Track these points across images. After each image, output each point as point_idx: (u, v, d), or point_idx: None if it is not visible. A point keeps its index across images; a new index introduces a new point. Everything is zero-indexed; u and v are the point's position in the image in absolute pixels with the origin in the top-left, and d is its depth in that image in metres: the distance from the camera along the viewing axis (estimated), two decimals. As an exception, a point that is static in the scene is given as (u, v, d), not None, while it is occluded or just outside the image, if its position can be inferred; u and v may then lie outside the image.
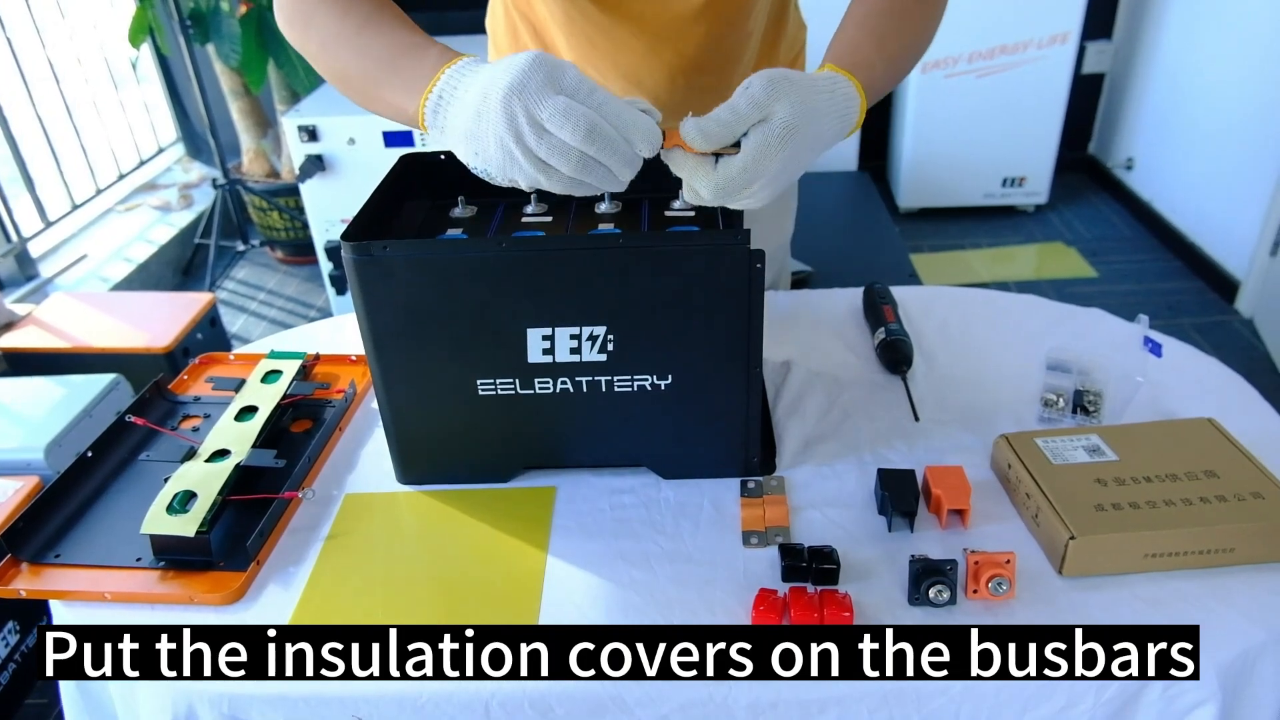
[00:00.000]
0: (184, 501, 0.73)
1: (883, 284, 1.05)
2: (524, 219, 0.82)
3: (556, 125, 0.58)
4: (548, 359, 0.73)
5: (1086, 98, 3.06)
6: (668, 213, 0.82)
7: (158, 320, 1.89)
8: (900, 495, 0.73)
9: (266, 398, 0.87)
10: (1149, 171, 2.89)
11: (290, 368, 0.93)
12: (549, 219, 0.82)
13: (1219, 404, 0.85)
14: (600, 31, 0.90)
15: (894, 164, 3.05)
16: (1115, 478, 0.72)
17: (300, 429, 0.89)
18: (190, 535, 0.70)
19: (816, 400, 0.89)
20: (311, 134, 1.95)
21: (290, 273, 2.85)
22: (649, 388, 0.75)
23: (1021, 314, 1.04)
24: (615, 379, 0.74)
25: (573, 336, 0.72)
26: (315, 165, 1.98)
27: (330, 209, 2.14)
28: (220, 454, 0.79)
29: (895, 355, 0.92)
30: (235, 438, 0.81)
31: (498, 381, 0.74)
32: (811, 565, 0.68)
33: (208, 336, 1.96)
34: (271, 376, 0.92)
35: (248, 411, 0.86)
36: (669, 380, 0.74)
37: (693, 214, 0.82)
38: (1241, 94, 2.39)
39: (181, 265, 2.89)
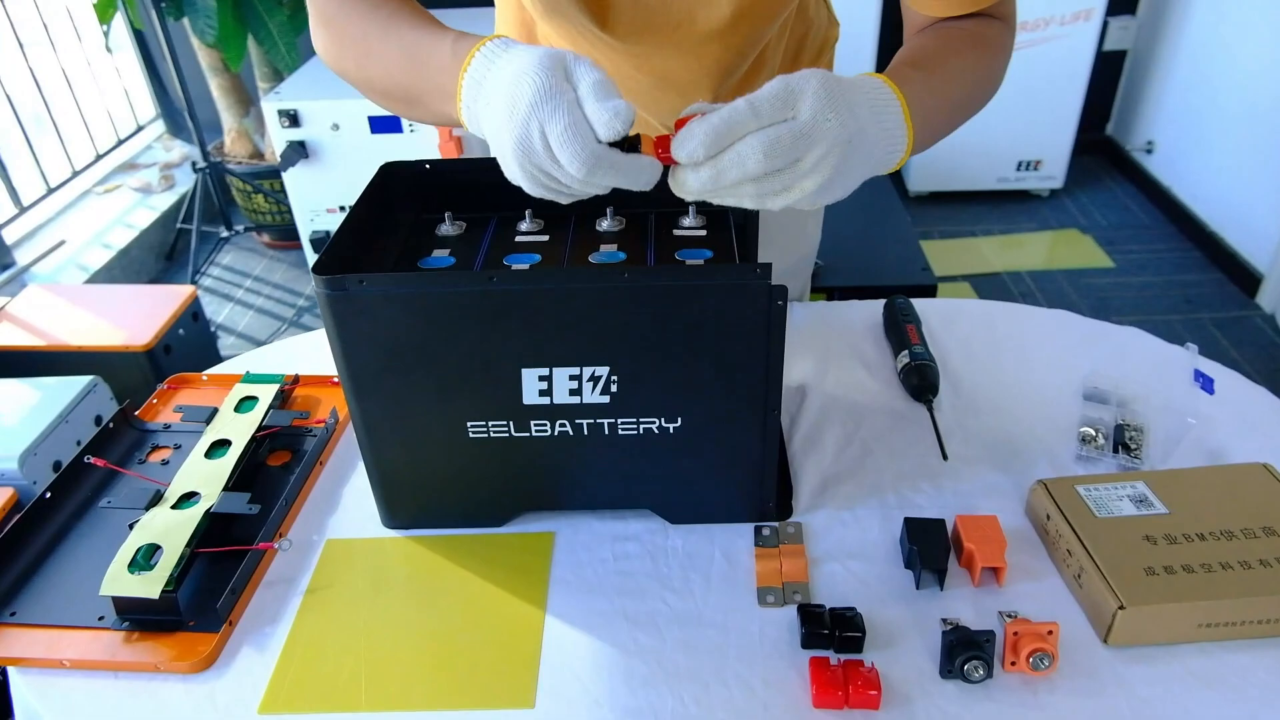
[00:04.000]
0: (148, 556, 0.67)
1: (905, 299, 0.98)
2: (518, 237, 0.75)
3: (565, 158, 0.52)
4: (544, 400, 0.66)
5: (1106, 76, 2.95)
6: (677, 230, 0.75)
7: (137, 315, 1.82)
8: (930, 550, 0.67)
9: (240, 430, 0.81)
10: (1170, 156, 2.80)
11: (267, 394, 0.86)
12: (545, 238, 0.75)
13: (1271, 442, 0.79)
14: (628, 60, 0.81)
15: (904, 145, 2.96)
16: (1166, 534, 0.65)
17: (278, 462, 0.82)
18: (154, 597, 0.64)
19: (835, 433, 0.83)
20: (293, 119, 1.86)
21: (277, 258, 2.77)
22: (656, 431, 0.68)
23: (1052, 331, 0.97)
24: (619, 422, 0.68)
25: (572, 377, 0.65)
26: (298, 152, 1.89)
27: (315, 198, 2.05)
28: (189, 498, 0.73)
29: (921, 382, 0.85)
30: (205, 478, 0.75)
31: (490, 424, 0.68)
32: (835, 632, 0.62)
33: (190, 332, 1.88)
34: (246, 404, 0.85)
35: (220, 446, 0.79)
36: (678, 424, 0.68)
37: (704, 232, 0.75)
38: (1271, 76, 2.29)
39: (164, 250, 2.81)
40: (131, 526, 0.71)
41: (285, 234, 2.78)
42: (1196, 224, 2.59)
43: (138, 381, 1.76)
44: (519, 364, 0.65)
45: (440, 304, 0.62)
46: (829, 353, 0.94)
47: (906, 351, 0.89)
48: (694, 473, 0.71)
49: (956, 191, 2.89)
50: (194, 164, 2.45)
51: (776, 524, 0.73)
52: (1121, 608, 0.60)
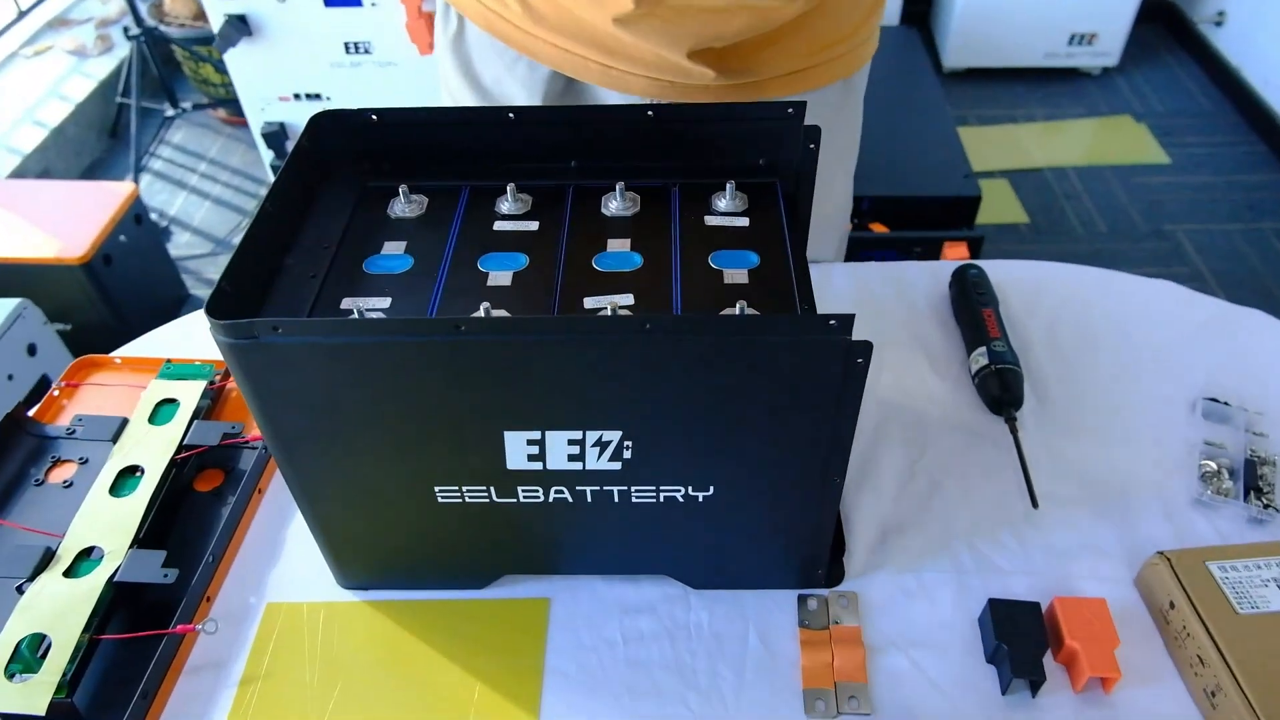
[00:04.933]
0: (34, 649, 0.53)
1: (978, 269, 0.80)
2: (497, 223, 0.56)
3: None
4: (535, 466, 0.50)
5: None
6: (710, 217, 0.56)
7: (70, 219, 1.59)
8: (1022, 649, 0.53)
9: (155, 452, 0.65)
10: (1242, 30, 2.48)
11: (190, 395, 0.70)
12: (534, 225, 0.56)
13: None
14: None
15: (943, 12, 2.62)
16: (1330, 643, 0.51)
17: (208, 486, 0.67)
18: (41, 714, 0.50)
19: (894, 459, 0.67)
20: (230, -12, 1.57)
21: (236, 136, 2.49)
22: (681, 499, 0.52)
23: (1156, 311, 0.79)
24: (633, 489, 0.52)
25: (572, 442, 0.49)
26: (238, 29, 1.60)
27: (263, 82, 1.77)
28: (87, 555, 0.58)
29: (1003, 394, 0.69)
30: (109, 525, 0.60)
31: (465, 489, 0.52)
32: (903, 771, 0.49)
33: (133, 237, 1.66)
34: (164, 411, 0.69)
35: (130, 474, 0.64)
36: (709, 492, 0.52)
37: (745, 220, 0.56)
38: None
39: (107, 126, 2.50)
40: (21, 589, 0.56)
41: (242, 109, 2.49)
42: (1266, 113, 2.32)
43: (75, 300, 1.57)
44: (500, 426, 0.48)
45: (389, 358, 0.45)
46: (884, 337, 0.77)
47: (984, 349, 0.71)
48: (726, 540, 0.56)
49: (997, 69, 2.59)
50: (125, 29, 2.12)
51: (825, 592, 0.59)
52: (1278, 757, 0.47)
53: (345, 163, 0.59)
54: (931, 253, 1.57)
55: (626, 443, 0.49)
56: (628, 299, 0.50)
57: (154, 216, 2.21)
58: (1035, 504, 0.62)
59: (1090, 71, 2.60)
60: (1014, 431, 0.67)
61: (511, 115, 0.56)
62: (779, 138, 0.57)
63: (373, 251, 0.54)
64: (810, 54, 0.72)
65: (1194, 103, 2.48)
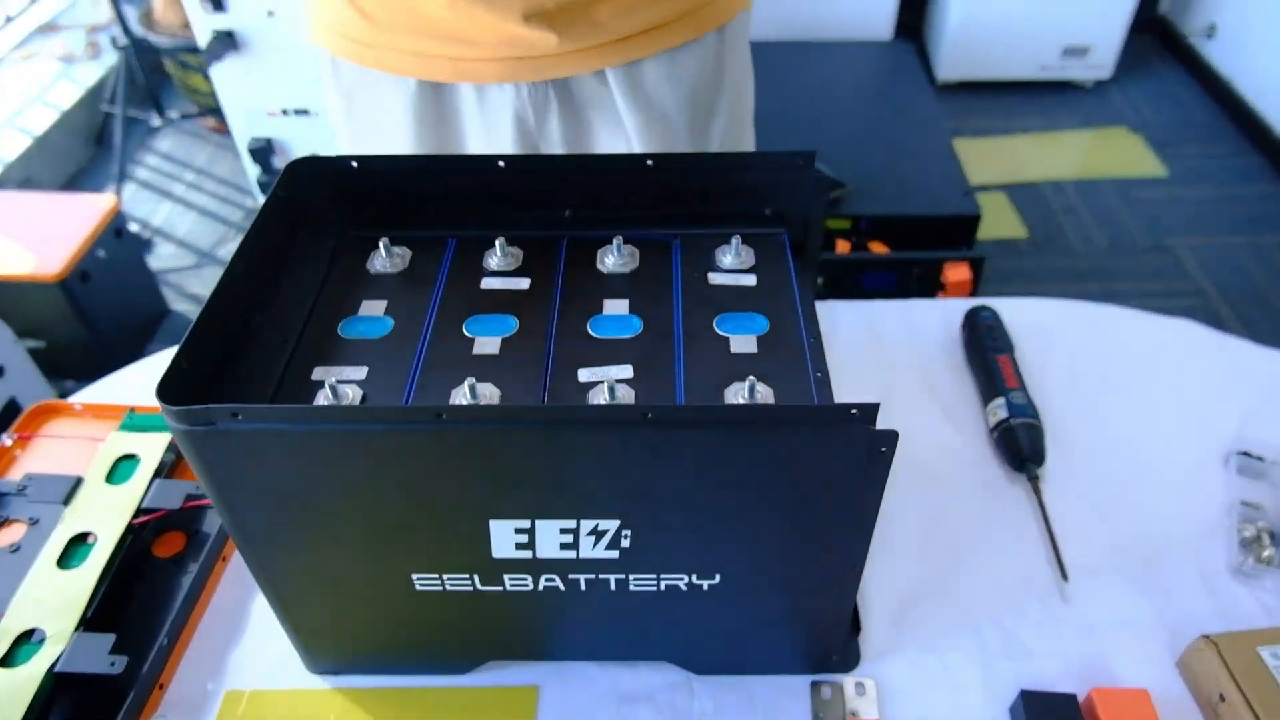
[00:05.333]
0: (-38, 755, 0.48)
1: (991, 312, 0.76)
2: (485, 280, 0.51)
3: None
4: (524, 554, 0.45)
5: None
6: (714, 276, 0.51)
7: (47, 233, 1.53)
8: (1058, 748, 0.49)
9: (110, 517, 0.59)
10: (1233, 42, 2.46)
11: (153, 450, 0.64)
12: (524, 283, 0.51)
13: None
14: None
15: (936, 25, 2.58)
16: (1393, 743, 0.47)
17: (168, 551, 0.62)
18: (-35, 835, 0.45)
19: (909, 520, 0.63)
20: (216, 3, 1.51)
21: (224, 145, 2.42)
22: (684, 587, 0.48)
23: (1180, 353, 0.75)
24: (631, 577, 0.47)
25: (565, 530, 0.44)
26: (225, 44, 1.55)
27: (251, 99, 1.72)
28: (28, 639, 0.53)
29: (1025, 449, 0.65)
30: (54, 605, 0.54)
31: (445, 577, 0.47)
32: None
33: (113, 252, 1.60)
34: (124, 468, 0.63)
35: (81, 541, 0.58)
36: (715, 580, 0.47)
37: (753, 280, 0.51)
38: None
39: (93, 133, 2.44)
40: (-46, 681, 0.51)
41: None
42: (1261, 126, 2.30)
43: (49, 318, 1.51)
44: (485, 515, 0.43)
45: (362, 447, 0.40)
46: (894, 383, 0.72)
47: (1003, 401, 0.67)
48: (733, 626, 0.51)
49: (990, 81, 2.56)
50: (113, 40, 2.06)
51: (841, 678, 0.54)
52: None
53: (324, 210, 0.54)
54: (932, 274, 1.53)
55: (625, 531, 0.44)
56: (626, 371, 0.45)
57: (136, 228, 2.15)
58: (1065, 577, 0.58)
59: (1084, 84, 2.57)
60: (1038, 492, 0.63)
61: (502, 164, 0.51)
62: (786, 186, 0.53)
63: (350, 312, 0.49)
64: (660, 5, 0.65)
65: (1189, 114, 2.45)
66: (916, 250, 1.57)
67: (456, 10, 0.62)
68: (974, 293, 1.56)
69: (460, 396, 0.44)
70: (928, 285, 1.55)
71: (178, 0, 2.37)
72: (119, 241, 1.66)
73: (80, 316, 1.56)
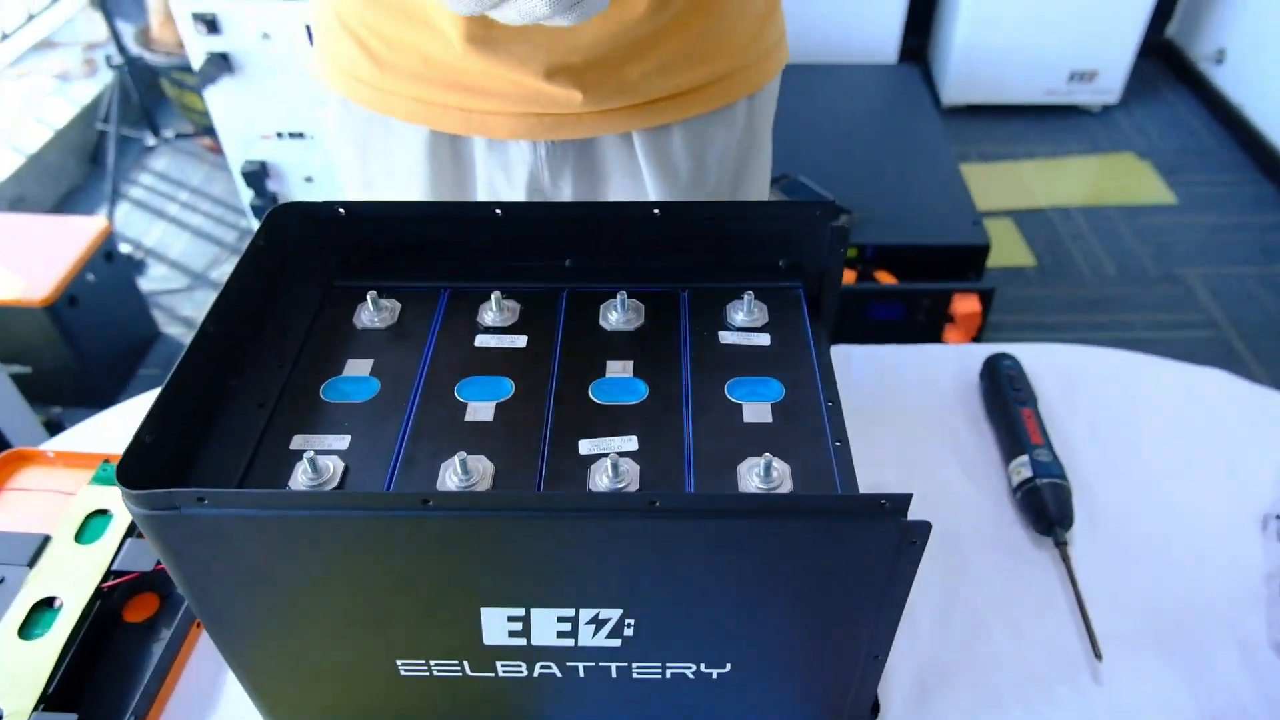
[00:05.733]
0: None
1: (1012, 360, 0.72)
2: (479, 337, 0.48)
3: None
4: (518, 642, 0.42)
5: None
6: (724, 335, 0.48)
7: (34, 257, 1.50)
8: None
9: (79, 578, 0.56)
10: (1243, 68, 2.44)
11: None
12: (521, 341, 0.48)
13: None
14: None
15: (941, 48, 2.57)
16: None
17: (139, 616, 0.58)
18: None
19: (929, 587, 0.59)
20: (211, 25, 1.49)
21: (219, 164, 2.39)
22: (692, 676, 0.44)
23: (1206, 404, 0.72)
24: (634, 666, 0.43)
25: (563, 619, 0.40)
26: (220, 67, 1.52)
27: (245, 122, 1.69)
28: (-15, 723, 0.49)
29: (1052, 512, 0.61)
30: (13, 680, 0.51)
31: (432, 664, 0.43)
32: None
33: (103, 276, 1.57)
34: (94, 525, 0.60)
35: (46, 607, 0.55)
36: (724, 669, 0.43)
37: (767, 340, 0.48)
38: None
39: (88, 151, 2.42)
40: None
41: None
42: (1271, 153, 2.28)
43: (35, 343, 1.47)
44: (476, 603, 0.40)
45: (341, 533, 0.36)
46: (910, 435, 0.69)
47: (1027, 459, 0.63)
48: (743, 716, 0.47)
49: (996, 105, 2.54)
50: (108, 58, 2.05)
51: (857, 766, 0.50)
52: None
53: (308, 259, 0.51)
54: (940, 305, 1.50)
55: (628, 621, 0.40)
56: (631, 443, 0.42)
57: (129, 249, 2.12)
58: (1099, 655, 0.54)
59: (1091, 109, 2.55)
60: (1066, 559, 0.59)
61: (499, 212, 0.48)
62: (803, 237, 0.50)
63: (334, 371, 0.46)
64: (693, 68, 0.61)
65: (1198, 141, 2.43)
66: (924, 279, 1.54)
67: (472, 60, 0.57)
68: (983, 325, 1.53)
69: (450, 471, 0.40)
70: (935, 317, 1.52)
71: (174, 19, 2.36)
72: (109, 265, 1.63)
73: (68, 342, 1.53)
